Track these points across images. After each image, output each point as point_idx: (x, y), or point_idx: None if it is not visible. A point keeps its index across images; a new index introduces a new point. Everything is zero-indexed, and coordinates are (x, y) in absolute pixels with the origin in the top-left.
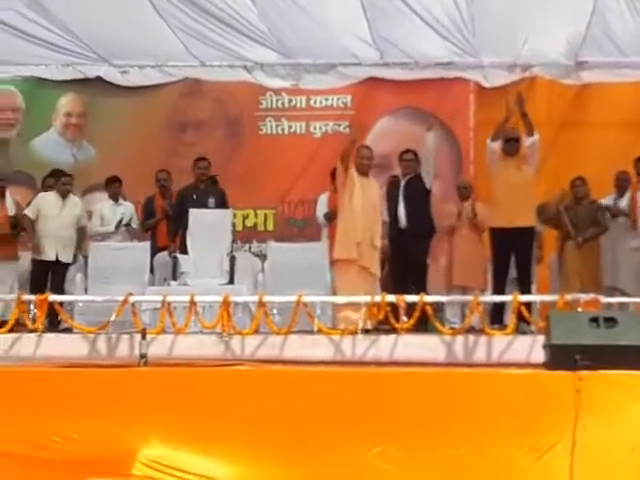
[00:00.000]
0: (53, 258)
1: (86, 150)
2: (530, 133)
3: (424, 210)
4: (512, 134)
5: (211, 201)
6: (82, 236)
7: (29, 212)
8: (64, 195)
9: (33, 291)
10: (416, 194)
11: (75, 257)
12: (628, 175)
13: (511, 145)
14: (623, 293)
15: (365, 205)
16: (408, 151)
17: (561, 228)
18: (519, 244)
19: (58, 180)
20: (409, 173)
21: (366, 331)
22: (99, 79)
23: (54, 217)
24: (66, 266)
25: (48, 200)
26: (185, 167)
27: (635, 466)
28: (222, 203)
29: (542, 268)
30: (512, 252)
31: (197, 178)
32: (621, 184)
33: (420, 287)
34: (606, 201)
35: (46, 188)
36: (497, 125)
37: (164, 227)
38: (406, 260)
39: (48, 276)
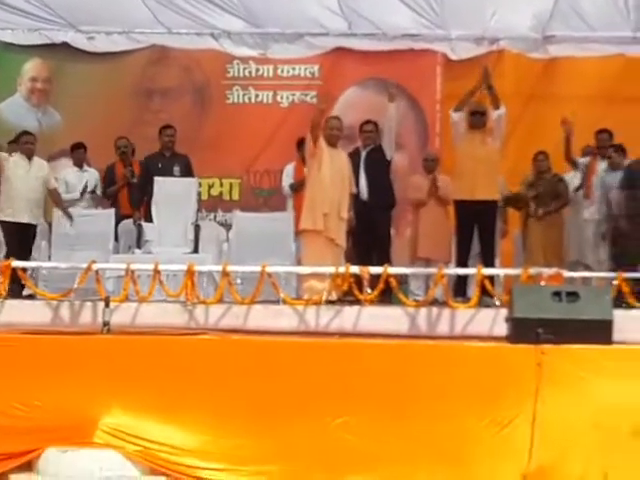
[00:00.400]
0: (25, 220)
1: (51, 116)
2: (496, 106)
3: (385, 182)
4: (478, 107)
5: (176, 169)
6: (56, 199)
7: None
8: (29, 156)
9: (6, 254)
10: (377, 165)
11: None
12: (593, 149)
13: (477, 118)
14: (587, 267)
15: (333, 176)
16: (368, 122)
17: (522, 205)
18: (483, 217)
19: (19, 140)
20: (369, 144)
21: (330, 302)
22: (65, 45)
23: (21, 178)
24: (36, 229)
25: (13, 161)
26: (151, 134)
27: (595, 439)
28: (187, 171)
29: (506, 242)
30: (475, 225)
31: (163, 146)
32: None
33: (384, 259)
34: (571, 175)
35: (10, 153)
36: (462, 96)
37: (125, 195)
38: (369, 232)
39: (17, 239)
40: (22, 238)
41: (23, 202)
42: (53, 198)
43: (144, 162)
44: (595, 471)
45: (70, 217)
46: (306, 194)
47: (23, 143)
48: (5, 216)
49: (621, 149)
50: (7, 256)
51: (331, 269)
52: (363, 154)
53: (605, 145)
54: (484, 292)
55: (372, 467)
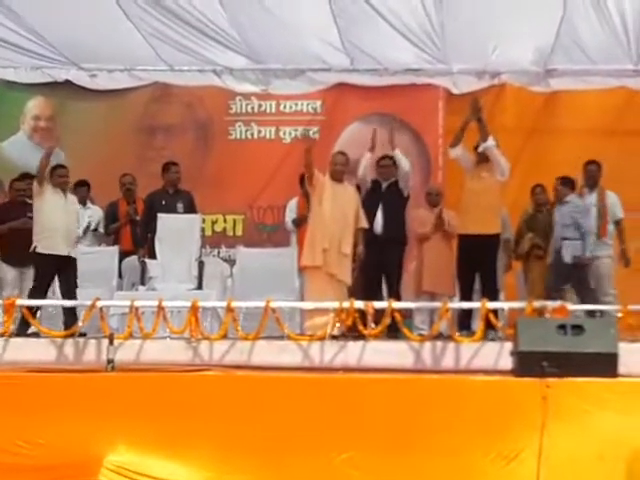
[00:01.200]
0: (64, 253)
1: (55, 154)
2: (484, 139)
3: (401, 217)
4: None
5: (180, 206)
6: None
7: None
8: (64, 189)
9: (39, 287)
10: (395, 200)
11: None
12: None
13: (480, 153)
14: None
15: (334, 211)
16: (385, 157)
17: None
18: (485, 251)
19: (52, 174)
20: (388, 178)
21: (334, 337)
22: (68, 83)
23: (58, 211)
24: (75, 262)
25: (48, 194)
26: (154, 171)
27: (601, 473)
28: (191, 208)
29: (510, 276)
30: (479, 259)
31: (167, 182)
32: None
33: (394, 295)
34: None
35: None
36: (455, 131)
37: (128, 232)
38: (380, 267)
39: (54, 271)
40: (61, 270)
41: (61, 233)
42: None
43: (147, 199)
44: None
45: None
46: (307, 230)
47: (58, 176)
48: (42, 248)
49: (569, 182)
50: (35, 288)
51: (335, 304)
52: (384, 186)
53: (594, 176)
54: (489, 326)
55: None
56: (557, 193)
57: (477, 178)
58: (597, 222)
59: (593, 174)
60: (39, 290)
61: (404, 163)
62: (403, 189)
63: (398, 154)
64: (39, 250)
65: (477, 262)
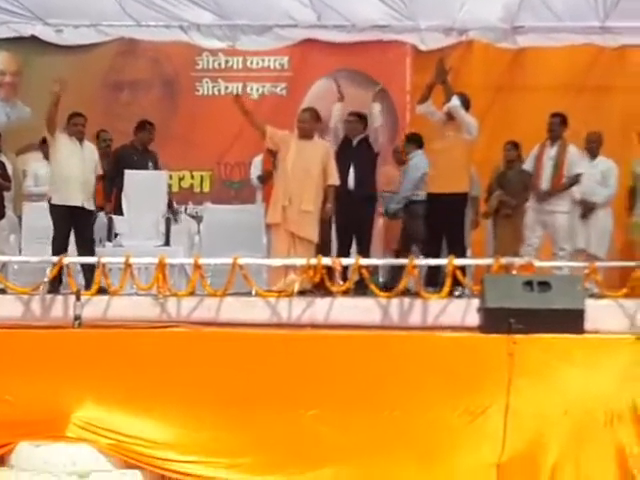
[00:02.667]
0: (79, 204)
1: (20, 109)
2: (448, 99)
3: (372, 173)
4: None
5: (150, 165)
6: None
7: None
8: (80, 138)
9: (56, 240)
10: (365, 156)
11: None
12: None
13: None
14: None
15: (295, 168)
16: (353, 113)
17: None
18: (453, 210)
19: (68, 121)
20: (357, 134)
21: (302, 293)
22: (33, 38)
23: (73, 160)
24: (91, 214)
25: (62, 142)
26: (121, 127)
27: (567, 428)
28: (157, 169)
29: (478, 232)
30: (446, 218)
31: (138, 140)
32: None
33: (364, 252)
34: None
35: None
36: (422, 91)
37: (100, 187)
38: (352, 223)
39: (69, 223)
40: (76, 222)
41: (76, 184)
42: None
43: (115, 154)
44: (568, 459)
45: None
46: (273, 187)
47: (73, 125)
48: (57, 200)
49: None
50: (54, 240)
51: (302, 261)
52: (354, 143)
53: (555, 129)
54: (456, 282)
55: (346, 458)
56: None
57: (444, 137)
58: (552, 175)
59: (554, 127)
60: (57, 242)
61: (375, 118)
62: (373, 145)
63: (375, 107)
64: (53, 201)
65: (445, 220)
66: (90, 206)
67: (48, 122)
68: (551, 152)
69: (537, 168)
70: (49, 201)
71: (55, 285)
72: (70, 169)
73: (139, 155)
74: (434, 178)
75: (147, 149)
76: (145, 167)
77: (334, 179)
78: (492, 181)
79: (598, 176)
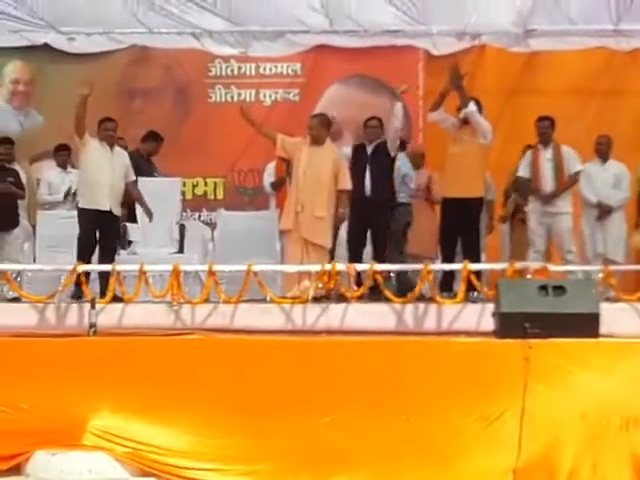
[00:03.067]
0: (107, 208)
1: (34, 118)
2: (465, 105)
3: (389, 178)
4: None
5: (156, 175)
6: (135, 193)
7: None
8: (110, 143)
9: (83, 244)
10: (382, 161)
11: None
12: None
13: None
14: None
15: (307, 175)
16: (373, 118)
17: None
18: (468, 215)
19: (99, 126)
20: (375, 140)
21: (316, 300)
22: (46, 46)
23: (103, 166)
24: (117, 219)
25: (93, 147)
26: (134, 135)
27: (583, 432)
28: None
29: (493, 237)
30: (461, 223)
31: (146, 151)
32: None
33: (380, 258)
34: None
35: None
36: (436, 97)
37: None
38: (367, 228)
39: (96, 227)
40: (103, 227)
41: (104, 189)
42: (132, 191)
43: None
44: (584, 463)
45: (150, 214)
46: (288, 194)
47: (104, 130)
48: (85, 204)
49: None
50: (80, 244)
51: (317, 267)
52: (369, 149)
53: (545, 132)
54: (470, 287)
55: (360, 464)
56: None
57: (459, 142)
58: (554, 176)
59: (545, 130)
60: (83, 246)
61: (397, 118)
62: (390, 148)
63: (398, 107)
64: (80, 205)
65: (460, 225)
66: (117, 212)
67: (77, 124)
68: (547, 155)
69: (535, 173)
70: (77, 205)
71: (77, 292)
72: (100, 174)
73: (147, 164)
74: (449, 183)
75: (150, 160)
76: (150, 176)
77: (346, 184)
78: (508, 185)
79: (611, 179)
